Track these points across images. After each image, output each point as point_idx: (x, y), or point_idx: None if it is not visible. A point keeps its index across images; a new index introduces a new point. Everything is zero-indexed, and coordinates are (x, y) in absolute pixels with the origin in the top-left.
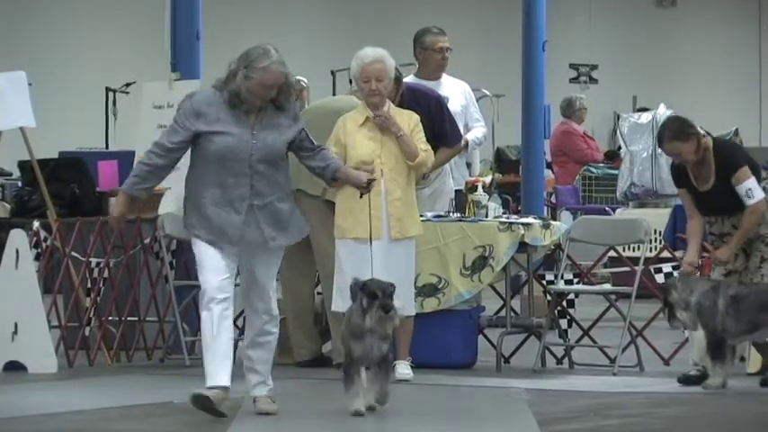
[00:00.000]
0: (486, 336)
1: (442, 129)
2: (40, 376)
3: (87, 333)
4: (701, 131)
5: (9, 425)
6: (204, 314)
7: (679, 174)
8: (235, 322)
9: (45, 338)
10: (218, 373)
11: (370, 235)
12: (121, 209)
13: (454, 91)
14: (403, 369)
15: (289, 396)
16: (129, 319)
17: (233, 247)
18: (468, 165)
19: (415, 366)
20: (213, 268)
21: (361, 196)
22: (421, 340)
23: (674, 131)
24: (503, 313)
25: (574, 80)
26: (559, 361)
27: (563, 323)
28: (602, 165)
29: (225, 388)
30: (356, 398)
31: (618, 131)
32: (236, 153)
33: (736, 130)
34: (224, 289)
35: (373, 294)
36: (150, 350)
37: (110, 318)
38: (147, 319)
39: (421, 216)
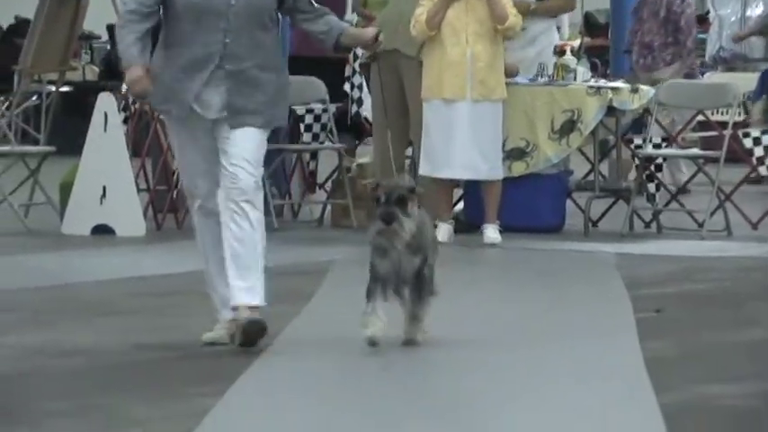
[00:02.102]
0: (573, 200)
1: None
2: (129, 239)
3: (175, 196)
4: None
5: (98, 287)
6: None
7: None
8: None
9: (133, 202)
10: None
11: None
12: (140, 80)
13: None
14: (491, 233)
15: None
16: None
17: (203, 123)
18: (558, 28)
19: (503, 230)
20: (187, 168)
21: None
22: (509, 204)
23: None
24: (591, 177)
25: None
26: (647, 225)
27: (651, 187)
28: None
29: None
30: (370, 322)
31: None
32: (209, 2)
33: None
34: (204, 194)
35: (377, 199)
36: None
37: None
38: None
39: (508, 79)
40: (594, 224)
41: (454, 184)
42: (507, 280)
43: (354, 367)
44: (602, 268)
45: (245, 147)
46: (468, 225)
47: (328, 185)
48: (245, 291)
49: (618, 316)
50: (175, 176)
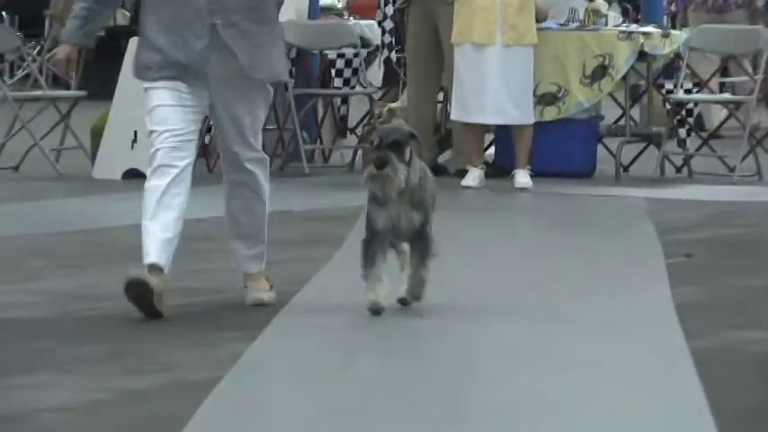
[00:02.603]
0: (605, 144)
1: None
2: None
3: (207, 141)
4: None
5: (130, 232)
6: (148, 183)
7: None
8: None
9: None
10: (153, 249)
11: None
12: (65, 56)
13: None
14: (522, 177)
15: None
16: None
17: (197, 84)
18: None
19: (535, 175)
20: (166, 123)
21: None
22: (541, 149)
23: None
24: (622, 122)
25: None
26: (678, 170)
27: (682, 132)
28: None
29: (159, 268)
30: (373, 286)
31: None
32: None
33: None
34: (179, 154)
35: (371, 143)
36: (269, 158)
37: None
38: (267, 127)
39: (539, 24)
40: (626, 169)
41: (486, 128)
42: (537, 225)
43: (381, 316)
44: (632, 213)
45: (250, 115)
46: (499, 170)
47: (359, 130)
48: (248, 259)
49: (649, 261)
50: (207, 121)
